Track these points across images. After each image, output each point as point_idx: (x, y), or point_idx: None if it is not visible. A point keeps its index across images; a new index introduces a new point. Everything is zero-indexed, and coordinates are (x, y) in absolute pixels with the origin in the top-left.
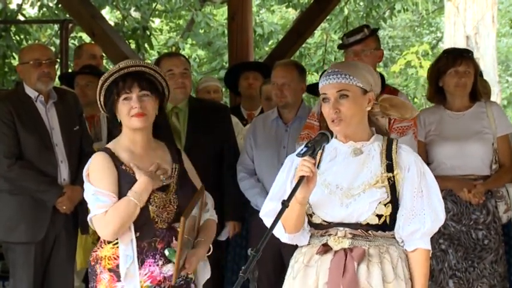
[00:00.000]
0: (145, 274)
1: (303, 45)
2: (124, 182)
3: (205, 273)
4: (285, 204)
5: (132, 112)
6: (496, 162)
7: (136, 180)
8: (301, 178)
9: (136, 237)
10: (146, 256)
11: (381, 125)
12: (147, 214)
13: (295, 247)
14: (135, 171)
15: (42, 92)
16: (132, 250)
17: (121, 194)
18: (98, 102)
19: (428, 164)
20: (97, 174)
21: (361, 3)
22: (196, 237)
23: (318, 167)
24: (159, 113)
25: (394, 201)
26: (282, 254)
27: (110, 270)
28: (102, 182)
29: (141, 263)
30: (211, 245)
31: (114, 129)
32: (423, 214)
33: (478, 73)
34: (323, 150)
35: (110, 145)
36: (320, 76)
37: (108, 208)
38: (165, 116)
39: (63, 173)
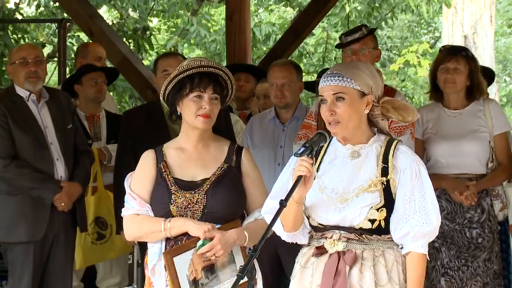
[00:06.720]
0: None
1: (303, 45)
2: (157, 182)
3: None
4: (283, 204)
5: (201, 112)
6: (493, 160)
7: (168, 183)
8: (299, 178)
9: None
10: None
11: (382, 127)
12: (169, 214)
13: (292, 247)
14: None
15: (32, 91)
16: (157, 247)
17: (151, 193)
18: (163, 89)
19: (425, 161)
20: (136, 175)
21: (362, 4)
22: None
23: (317, 169)
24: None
25: (389, 205)
26: (278, 254)
27: (148, 265)
28: (136, 184)
29: None
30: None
31: (171, 122)
32: (415, 218)
33: (477, 71)
34: (325, 151)
35: (170, 141)
36: (320, 76)
37: (134, 212)
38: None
39: (60, 170)
